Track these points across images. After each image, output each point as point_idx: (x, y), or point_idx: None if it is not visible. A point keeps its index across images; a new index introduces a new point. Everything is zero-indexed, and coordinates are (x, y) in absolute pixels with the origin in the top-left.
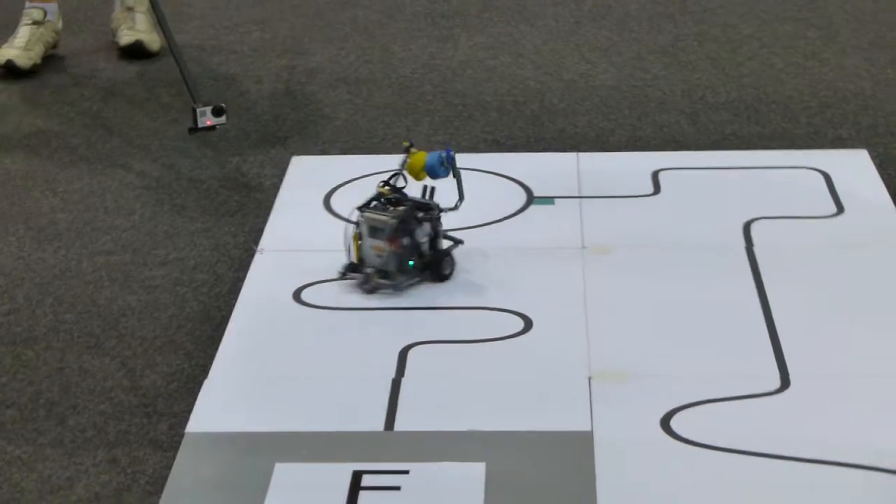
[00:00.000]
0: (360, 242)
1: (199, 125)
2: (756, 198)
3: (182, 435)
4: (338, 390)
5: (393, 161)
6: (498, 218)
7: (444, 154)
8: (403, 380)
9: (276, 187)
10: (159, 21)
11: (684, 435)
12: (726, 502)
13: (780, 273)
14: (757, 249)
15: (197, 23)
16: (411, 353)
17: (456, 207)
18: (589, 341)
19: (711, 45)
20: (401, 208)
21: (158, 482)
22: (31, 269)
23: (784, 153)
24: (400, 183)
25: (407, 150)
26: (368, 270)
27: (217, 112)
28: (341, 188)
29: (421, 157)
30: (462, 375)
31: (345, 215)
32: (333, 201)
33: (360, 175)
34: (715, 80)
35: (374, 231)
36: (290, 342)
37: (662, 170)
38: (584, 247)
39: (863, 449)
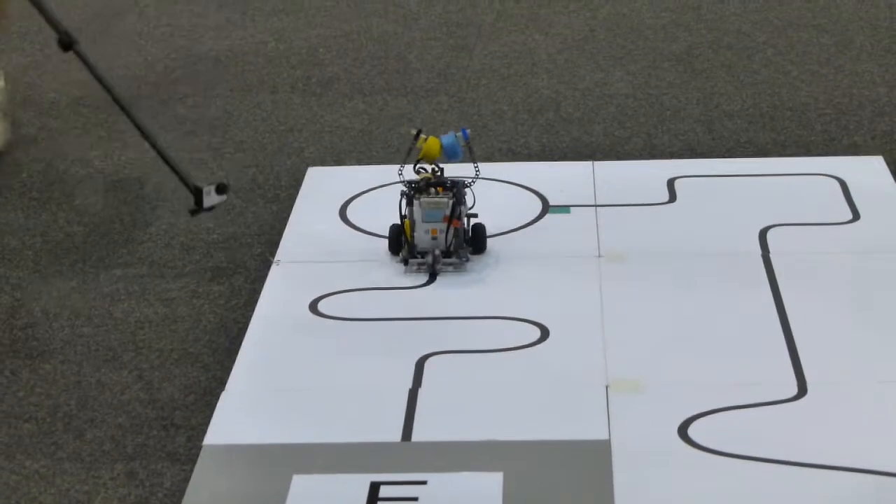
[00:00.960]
0: (412, 229)
1: (206, 205)
2: (772, 205)
3: (200, 447)
4: (355, 401)
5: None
6: (514, 227)
7: (458, 134)
8: (420, 390)
9: (292, 198)
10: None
11: (702, 443)
12: None
13: (796, 280)
14: (773, 256)
15: (212, 34)
16: (428, 363)
17: (473, 182)
18: (606, 350)
19: (726, 53)
20: (449, 189)
21: (176, 495)
22: (47, 282)
23: (799, 160)
24: (406, 172)
25: (416, 137)
26: (436, 251)
27: (220, 190)
28: (357, 199)
29: (434, 142)
30: (479, 385)
31: (361, 226)
32: (350, 212)
33: (377, 185)
34: (730, 88)
35: (431, 214)
36: (306, 353)
37: (678, 177)
38: (600, 255)
39: (880, 455)
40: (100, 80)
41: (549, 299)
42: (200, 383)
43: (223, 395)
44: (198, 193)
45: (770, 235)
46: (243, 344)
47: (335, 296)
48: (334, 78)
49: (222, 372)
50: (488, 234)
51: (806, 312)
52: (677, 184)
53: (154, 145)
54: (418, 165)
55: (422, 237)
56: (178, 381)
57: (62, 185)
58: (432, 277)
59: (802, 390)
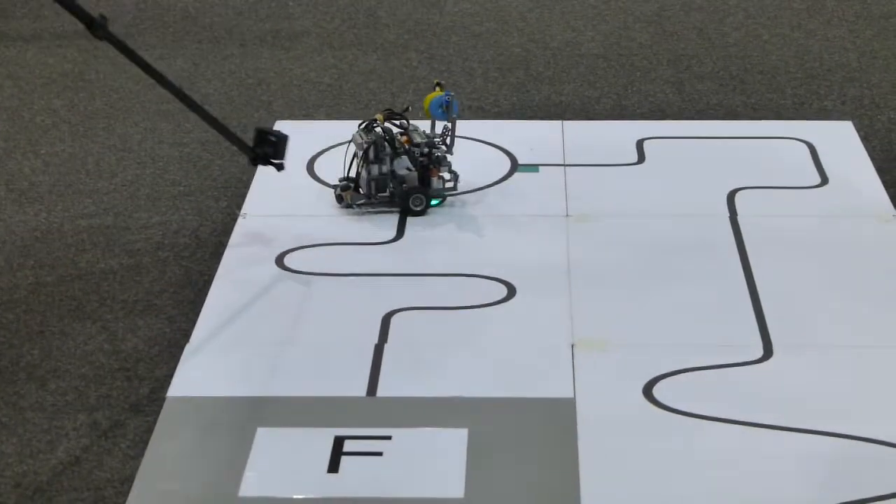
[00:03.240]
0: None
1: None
2: (741, 168)
3: (163, 399)
4: (320, 355)
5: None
6: (482, 185)
7: (443, 96)
8: (386, 345)
9: None
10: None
11: (666, 403)
12: (708, 470)
13: (763, 243)
14: (741, 219)
15: None
16: (394, 319)
17: (446, 151)
18: (572, 309)
19: (697, 15)
20: (363, 133)
21: (139, 446)
22: (12, 231)
23: (769, 124)
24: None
25: (434, 88)
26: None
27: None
28: (325, 153)
29: (431, 97)
30: (444, 342)
31: (328, 180)
32: (317, 166)
33: (344, 140)
34: (700, 50)
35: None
36: (272, 307)
37: (647, 139)
38: (568, 215)
39: (843, 418)
40: (137, 60)
41: (517, 258)
42: (165, 335)
43: (187, 348)
44: (280, 143)
45: (738, 198)
46: (208, 297)
47: (301, 250)
48: (303, 32)
49: (187, 324)
50: (461, 191)
51: (773, 275)
52: (646, 145)
53: (207, 117)
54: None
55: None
56: (142, 332)
57: (28, 134)
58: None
59: (768, 352)
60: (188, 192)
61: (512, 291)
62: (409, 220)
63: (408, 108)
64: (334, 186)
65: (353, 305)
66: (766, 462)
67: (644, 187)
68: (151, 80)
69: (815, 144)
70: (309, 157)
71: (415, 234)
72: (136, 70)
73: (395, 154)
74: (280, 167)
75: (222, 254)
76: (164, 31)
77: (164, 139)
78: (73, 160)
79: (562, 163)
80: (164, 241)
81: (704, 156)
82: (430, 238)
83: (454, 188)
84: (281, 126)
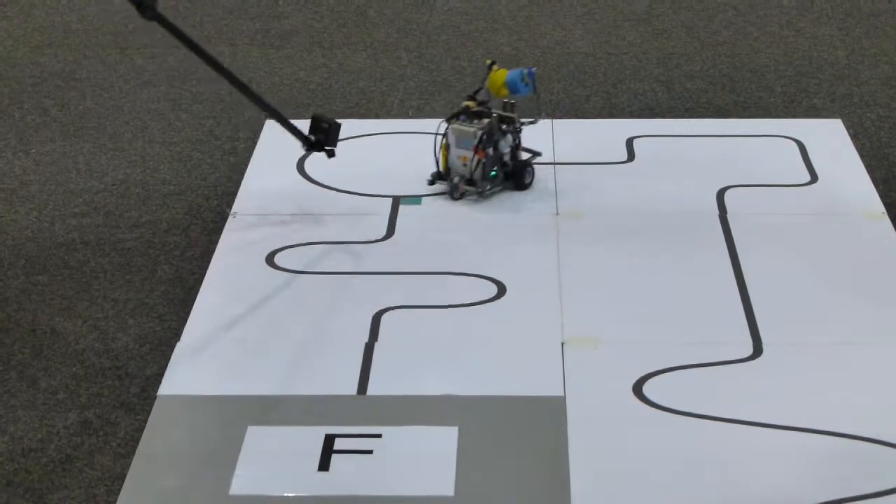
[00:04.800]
0: (447, 153)
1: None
2: (730, 166)
3: (154, 398)
4: (311, 354)
5: (368, 125)
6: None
7: (525, 71)
8: (377, 344)
9: (249, 151)
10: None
11: (656, 400)
12: (698, 467)
13: (753, 241)
14: (730, 217)
15: None
16: (385, 318)
17: (535, 121)
18: (562, 307)
19: (686, 14)
20: (486, 120)
21: (130, 444)
22: (2, 230)
23: (758, 122)
24: (482, 98)
25: (489, 68)
26: (455, 179)
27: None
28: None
29: (502, 74)
30: (435, 340)
31: (319, 180)
32: (307, 165)
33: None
34: (690, 49)
35: (461, 142)
36: (262, 306)
37: (637, 137)
38: (558, 213)
39: (833, 416)
40: (188, 42)
41: (507, 256)
42: (155, 334)
43: (178, 346)
44: (332, 130)
45: (728, 196)
46: (199, 295)
47: (292, 249)
48: (293, 31)
49: (177, 323)
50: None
51: (762, 273)
52: (636, 143)
53: (262, 103)
54: (475, 93)
55: (454, 161)
56: (132, 331)
57: (18, 134)
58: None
59: (758, 350)
60: (178, 192)
61: (502, 290)
62: (399, 219)
63: (493, 63)
64: (430, 182)
65: (343, 304)
66: (756, 459)
67: (634, 185)
68: (143, 80)
69: (804, 142)
70: (299, 156)
71: (405, 233)
72: (125, 69)
73: (503, 134)
74: (331, 154)
75: (212, 253)
76: (155, 31)
77: (154, 138)
78: (63, 159)
79: (552, 161)
80: (154, 241)
81: (694, 154)
82: (420, 237)
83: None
84: (270, 125)
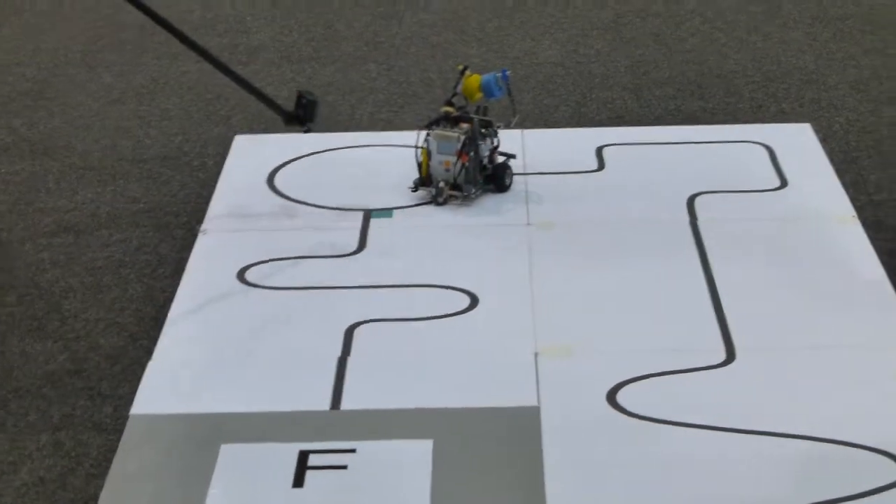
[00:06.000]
0: (429, 159)
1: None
2: (700, 172)
3: (126, 417)
4: (283, 370)
5: (338, 139)
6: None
7: (499, 74)
8: (349, 358)
9: (218, 166)
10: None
11: (630, 409)
12: (673, 474)
13: (724, 247)
14: (701, 224)
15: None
16: (357, 332)
17: (511, 124)
18: (535, 317)
19: (654, 21)
20: (465, 125)
21: (103, 465)
22: None
23: (727, 128)
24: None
25: (462, 73)
26: (440, 184)
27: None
28: (285, 167)
29: (476, 79)
30: (408, 353)
31: (289, 194)
32: (277, 180)
33: (304, 154)
34: (658, 56)
35: (443, 147)
36: (234, 322)
37: (606, 145)
38: (529, 223)
39: (806, 420)
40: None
41: (479, 267)
42: (127, 353)
43: (150, 365)
44: (309, 106)
45: (698, 202)
46: (170, 313)
47: (263, 264)
48: (261, 46)
49: (149, 342)
50: (422, 201)
51: (734, 279)
52: (606, 152)
53: (236, 77)
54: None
55: (436, 167)
56: (104, 350)
57: None
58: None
59: (731, 356)
60: (148, 209)
61: (475, 301)
62: (371, 232)
63: (454, 94)
64: (414, 189)
65: (315, 319)
66: (731, 465)
67: (604, 194)
68: (111, 98)
69: (773, 147)
70: (268, 171)
71: (376, 246)
72: (94, 87)
73: (482, 138)
74: (307, 129)
75: (183, 270)
76: (122, 48)
77: (123, 156)
78: (33, 179)
79: (522, 171)
80: (125, 259)
81: (664, 161)
82: (391, 250)
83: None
84: (239, 141)
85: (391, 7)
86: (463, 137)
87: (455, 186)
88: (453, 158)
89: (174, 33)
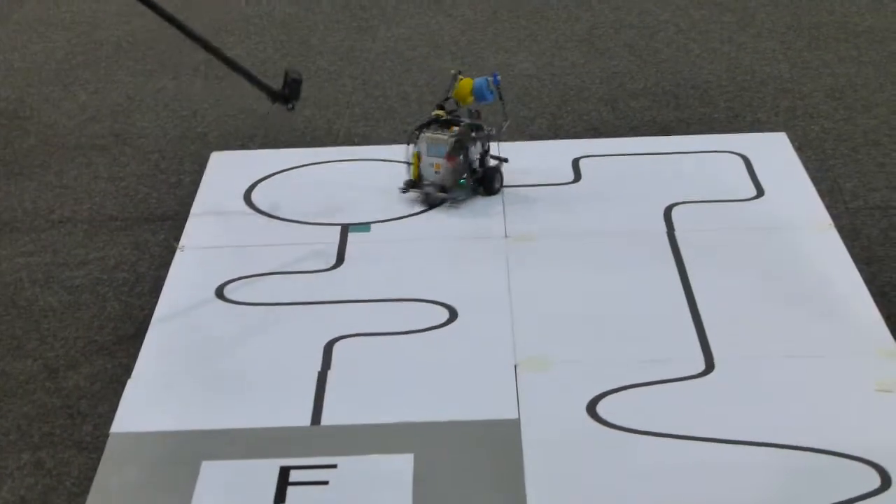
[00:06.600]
0: (419, 161)
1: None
2: (676, 183)
3: (107, 435)
4: (263, 386)
5: (315, 154)
6: (420, 209)
7: (490, 78)
8: (329, 373)
9: (195, 183)
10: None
11: (611, 420)
12: (654, 485)
13: (701, 257)
14: (678, 234)
15: (113, 20)
16: (337, 347)
17: (502, 128)
18: (514, 329)
19: (628, 32)
20: (456, 128)
21: (84, 484)
22: None
23: (703, 138)
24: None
25: (455, 78)
26: (427, 186)
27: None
28: (262, 183)
29: (468, 83)
30: (388, 367)
31: (266, 210)
32: (254, 196)
33: (281, 169)
34: (633, 67)
35: (433, 149)
36: (213, 339)
37: (583, 157)
38: (506, 236)
39: (786, 429)
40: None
41: (457, 280)
42: (106, 371)
43: (129, 383)
44: (294, 84)
45: (675, 213)
46: (149, 331)
47: (241, 281)
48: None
49: (128, 359)
50: (400, 215)
51: (712, 289)
52: (582, 163)
53: (222, 56)
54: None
55: (426, 169)
56: (83, 369)
57: None
58: (430, 207)
59: (710, 366)
60: (125, 227)
61: (454, 314)
62: (349, 247)
63: (447, 99)
64: (404, 190)
65: (294, 334)
66: (712, 475)
67: (581, 206)
68: (87, 115)
69: (749, 157)
70: (246, 187)
71: (354, 260)
72: (69, 105)
73: (473, 141)
74: (291, 108)
75: (161, 287)
76: (97, 66)
77: (99, 174)
78: (8, 198)
79: (501, 183)
80: (102, 277)
81: (640, 172)
82: (369, 264)
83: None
84: (216, 158)
85: (365, 22)
86: (452, 140)
87: (444, 189)
88: (443, 161)
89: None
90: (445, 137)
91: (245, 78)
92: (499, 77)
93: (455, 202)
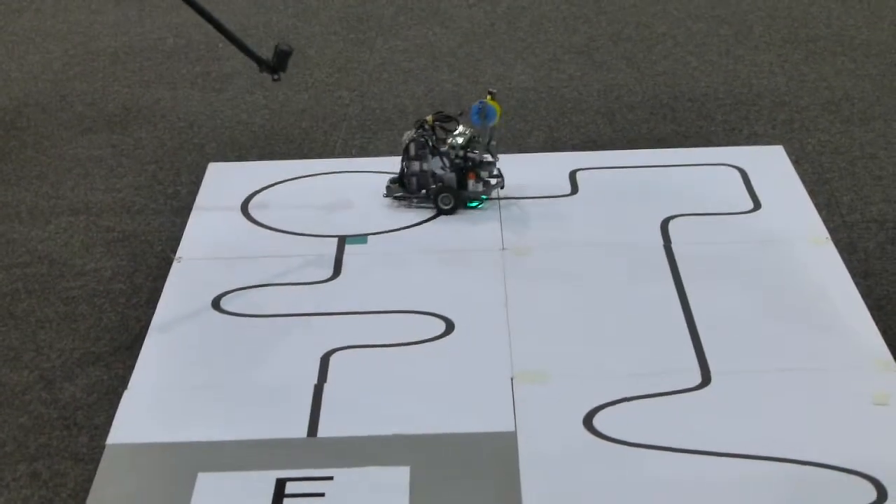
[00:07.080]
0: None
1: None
2: (673, 196)
3: (103, 447)
4: (260, 398)
5: (312, 166)
6: (417, 221)
7: (479, 104)
8: (326, 385)
9: (192, 195)
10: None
11: (607, 433)
12: (651, 498)
13: (698, 270)
14: (675, 247)
15: (109, 31)
16: (333, 359)
17: (487, 148)
18: (511, 342)
19: (626, 45)
20: (413, 132)
21: (80, 495)
22: None
23: (700, 150)
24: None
25: (493, 95)
26: (390, 179)
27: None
28: (259, 194)
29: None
30: (384, 379)
31: (263, 221)
32: (251, 208)
33: (278, 181)
34: (630, 80)
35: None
36: (210, 351)
37: (580, 170)
38: (503, 248)
39: (783, 442)
40: None
41: (454, 293)
42: (103, 382)
43: (126, 394)
44: (282, 56)
45: (672, 226)
46: (145, 342)
47: (238, 292)
48: (234, 73)
49: (125, 371)
50: (397, 227)
51: (708, 302)
52: (579, 176)
53: (221, 28)
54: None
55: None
56: (79, 380)
57: None
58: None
59: (706, 379)
60: (122, 238)
61: (450, 327)
62: (346, 258)
63: (461, 113)
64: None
65: (291, 346)
66: (709, 488)
67: (578, 218)
68: (84, 127)
69: (746, 170)
70: (243, 198)
71: (351, 272)
72: (66, 117)
73: (431, 153)
74: (276, 79)
75: (158, 299)
76: (94, 77)
77: (96, 185)
78: (5, 209)
79: (496, 196)
80: (99, 288)
81: (637, 185)
82: (366, 276)
83: (488, 192)
84: (213, 169)
85: (363, 34)
86: (406, 141)
87: (402, 185)
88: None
89: None
90: (404, 137)
91: (236, 46)
92: (481, 104)
93: (413, 205)
